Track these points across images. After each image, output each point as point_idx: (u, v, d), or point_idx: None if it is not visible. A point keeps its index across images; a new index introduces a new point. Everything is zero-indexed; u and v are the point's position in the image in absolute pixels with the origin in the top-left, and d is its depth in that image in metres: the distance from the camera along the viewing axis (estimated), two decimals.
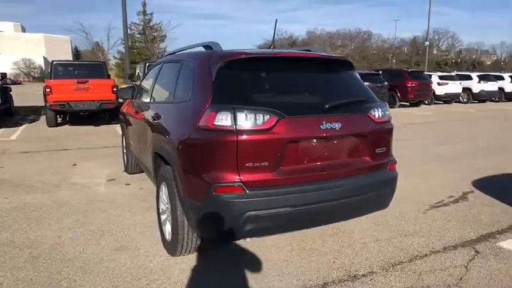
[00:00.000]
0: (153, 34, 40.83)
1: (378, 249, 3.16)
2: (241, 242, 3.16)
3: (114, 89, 10.14)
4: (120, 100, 12.37)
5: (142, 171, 5.34)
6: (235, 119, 2.29)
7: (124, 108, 5.30)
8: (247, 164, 2.31)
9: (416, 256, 3.05)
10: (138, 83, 12.64)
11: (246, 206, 2.30)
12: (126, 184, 5.02)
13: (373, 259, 3.00)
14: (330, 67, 2.88)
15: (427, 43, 40.30)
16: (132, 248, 3.17)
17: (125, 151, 5.64)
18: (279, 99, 2.57)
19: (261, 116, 2.31)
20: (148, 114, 3.52)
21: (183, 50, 3.80)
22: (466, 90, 19.45)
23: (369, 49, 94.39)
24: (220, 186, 2.30)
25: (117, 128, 10.37)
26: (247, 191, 2.31)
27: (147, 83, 4.38)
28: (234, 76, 2.56)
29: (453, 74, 21.56)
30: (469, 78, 20.11)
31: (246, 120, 2.29)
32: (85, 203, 4.27)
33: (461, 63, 70.01)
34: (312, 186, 2.46)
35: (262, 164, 2.34)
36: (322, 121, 2.48)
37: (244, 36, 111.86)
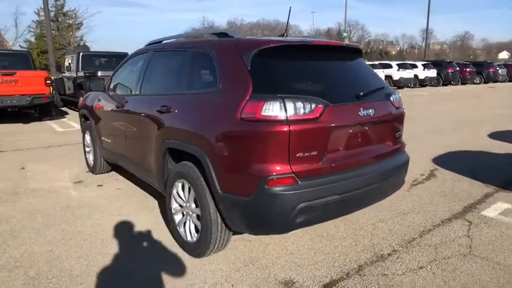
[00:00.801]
0: (68, 21, 37.23)
1: (388, 228, 3.34)
2: (257, 237, 3.10)
3: (48, 82, 9.06)
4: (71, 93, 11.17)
5: (111, 171, 4.93)
6: (285, 108, 2.20)
7: (87, 103, 4.78)
8: (298, 154, 2.25)
9: (423, 231, 3.28)
10: (67, 74, 11.62)
11: (299, 197, 2.25)
12: (99, 186, 4.56)
13: (389, 238, 3.15)
14: (352, 56, 2.91)
15: (345, 34, 42.99)
16: (144, 253, 2.91)
17: (87, 150, 5.12)
18: (317, 87, 2.53)
19: (309, 104, 2.26)
20: (147, 108, 3.22)
21: (172, 38, 3.54)
22: (388, 77, 21.24)
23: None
24: (273, 179, 2.21)
25: (53, 124, 9.39)
26: (299, 182, 2.25)
27: (126, 75, 4.00)
28: (270, 64, 2.46)
29: (376, 63, 23.40)
30: (390, 66, 22.03)
31: (296, 110, 2.22)
32: (60, 209, 3.79)
33: (370, 53, 76.18)
34: (353, 172, 2.50)
35: (312, 153, 2.30)
36: (360, 108, 2.52)
37: (168, 25, 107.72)
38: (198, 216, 2.73)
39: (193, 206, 2.76)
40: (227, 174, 2.36)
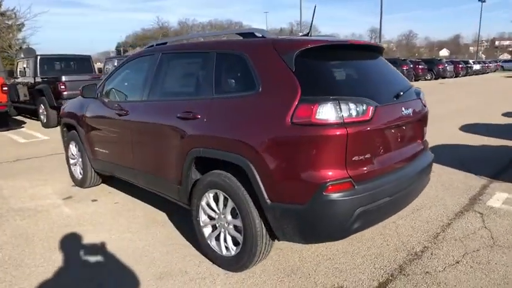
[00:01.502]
0: (7, 22, 34.51)
1: (410, 225, 3.38)
2: (288, 244, 3.00)
3: (5, 89, 8.27)
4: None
5: (101, 183, 4.59)
6: (340, 110, 2.13)
7: (73, 111, 4.40)
8: (354, 158, 2.19)
9: (443, 226, 3.36)
10: (21, 79, 10.68)
11: (356, 202, 2.18)
12: (93, 201, 4.21)
13: (414, 235, 3.19)
14: (377, 55, 2.89)
15: (301, 34, 43.71)
16: (177, 272, 2.70)
17: (72, 162, 4.71)
18: (360, 87, 2.47)
19: (362, 106, 2.20)
20: (163, 115, 2.99)
21: (179, 39, 3.33)
22: None
23: None
24: (331, 185, 2.13)
25: (13, 135, 8.60)
26: (356, 187, 2.19)
27: (126, 80, 3.72)
28: (313, 65, 2.36)
29: None
30: None
31: (350, 111, 2.15)
32: (59, 231, 3.43)
33: None
34: (398, 173, 2.48)
35: (366, 156, 2.25)
36: (402, 107, 2.51)
37: (115, 25, 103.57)
38: (236, 228, 2.58)
39: (230, 217, 2.60)
40: (278, 182, 2.24)
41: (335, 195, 2.14)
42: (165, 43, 3.51)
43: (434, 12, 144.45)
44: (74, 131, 4.50)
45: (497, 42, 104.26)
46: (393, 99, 2.51)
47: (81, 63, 11.18)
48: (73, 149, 4.64)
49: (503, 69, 42.08)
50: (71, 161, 4.76)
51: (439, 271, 2.64)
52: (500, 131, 7.42)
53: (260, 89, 2.37)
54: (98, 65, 19.29)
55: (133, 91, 3.51)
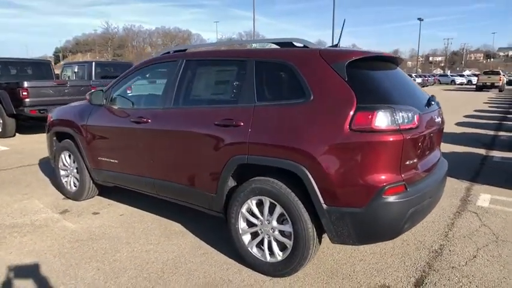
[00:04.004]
0: None
1: (419, 225, 3.61)
2: (321, 248, 3.09)
3: None
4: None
5: (94, 196, 4.36)
6: (395, 118, 2.28)
7: (70, 119, 4.15)
8: (407, 162, 2.35)
9: (449, 225, 3.66)
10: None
11: (410, 204, 2.34)
12: (95, 213, 3.98)
13: (428, 234, 3.43)
14: (398, 67, 3.10)
15: (254, 45, 44.50)
16: (220, 281, 2.67)
17: (63, 173, 4.43)
18: (400, 96, 2.63)
19: (411, 113, 2.38)
20: (196, 122, 2.96)
21: (203, 46, 3.32)
22: None
23: None
24: (390, 188, 2.27)
25: None
26: (408, 189, 2.35)
27: (141, 86, 3.61)
28: (362, 74, 2.51)
29: None
30: None
31: (403, 119, 2.32)
32: (72, 246, 3.22)
33: None
34: (433, 176, 2.69)
35: (414, 160, 2.42)
36: (433, 115, 2.74)
37: (54, 29, 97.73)
38: (282, 233, 2.62)
39: (275, 223, 2.63)
40: (335, 187, 2.33)
41: (392, 198, 2.28)
42: (185, 50, 3.48)
43: (376, 27, 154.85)
44: (69, 140, 4.24)
45: (431, 58, 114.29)
46: (425, 108, 2.73)
47: (39, 68, 10.48)
48: (65, 159, 4.36)
49: (440, 82, 46.08)
50: (62, 172, 4.46)
51: (463, 265, 2.88)
52: (460, 139, 8.16)
53: (312, 97, 2.46)
54: None
55: (153, 98, 3.42)
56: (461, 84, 45.60)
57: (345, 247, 3.15)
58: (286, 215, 2.54)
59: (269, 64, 2.76)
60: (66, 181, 4.44)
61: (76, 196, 4.31)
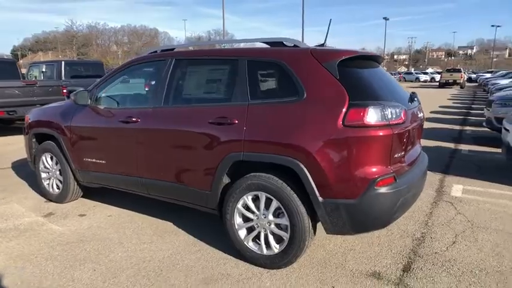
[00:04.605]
0: None
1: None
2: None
3: None
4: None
5: (77, 198, 4.29)
6: (385, 114, 2.43)
7: (52, 120, 4.06)
8: (395, 155, 2.51)
9: (427, 214, 3.88)
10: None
11: (399, 194, 2.49)
12: (81, 215, 3.92)
13: (409, 223, 3.63)
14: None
15: (224, 44, 44.32)
16: (219, 276, 2.73)
17: (44, 176, 4.32)
18: (385, 93, 2.75)
19: (398, 109, 2.53)
20: (189, 121, 2.99)
21: (190, 45, 3.36)
22: None
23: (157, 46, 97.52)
24: (381, 179, 2.41)
25: None
26: (397, 180, 2.50)
27: (128, 86, 3.58)
28: (351, 73, 2.64)
29: None
30: None
31: (391, 115, 2.47)
32: (63, 249, 3.16)
33: None
34: (416, 168, 2.87)
35: (400, 153, 2.58)
36: (416, 111, 2.91)
37: (11, 26, 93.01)
38: (279, 226, 2.71)
39: (271, 217, 2.72)
40: (330, 180, 2.44)
41: (383, 189, 2.43)
42: (173, 49, 3.49)
43: (342, 26, 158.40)
44: (51, 141, 4.15)
45: (396, 56, 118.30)
46: (409, 104, 2.90)
47: (3, 67, 10.01)
48: (48, 161, 4.25)
49: (405, 80, 47.82)
50: (43, 175, 4.35)
51: (444, 251, 3.09)
52: (429, 134, 8.56)
53: (305, 95, 2.56)
54: None
55: (141, 98, 3.42)
56: (425, 81, 47.56)
57: (334, 238, 3.29)
58: (282, 208, 2.64)
59: (261, 63, 2.85)
60: (48, 184, 4.33)
61: (60, 198, 4.21)
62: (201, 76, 3.30)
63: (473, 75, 45.02)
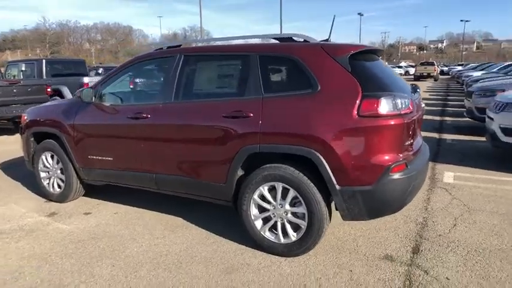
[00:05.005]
0: None
1: None
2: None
3: None
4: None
5: (79, 197, 4.25)
6: (396, 104, 2.55)
7: (54, 118, 3.99)
8: (406, 143, 2.64)
9: (425, 200, 4.07)
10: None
11: (410, 179, 2.63)
12: (86, 214, 3.89)
13: (411, 209, 3.78)
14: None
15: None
16: (239, 265, 2.80)
17: (44, 175, 4.25)
18: (391, 84, 2.86)
19: (407, 100, 2.66)
20: (203, 115, 3.03)
21: (199, 42, 3.38)
22: None
23: (131, 45, 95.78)
24: (395, 166, 2.54)
25: None
26: (408, 166, 2.64)
27: (134, 83, 3.57)
28: (361, 66, 2.74)
29: None
30: None
31: (402, 105, 2.59)
32: (76, 246, 3.15)
33: None
34: (422, 155, 3.02)
35: (409, 141, 2.71)
36: (418, 101, 3.06)
37: None
38: (295, 215, 2.80)
39: (288, 206, 2.81)
40: (347, 168, 2.55)
41: (397, 175, 2.56)
42: (179, 45, 3.51)
43: (318, 21, 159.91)
44: (51, 140, 4.08)
45: None
46: (412, 94, 3.04)
47: None
48: (48, 160, 4.18)
49: None
50: (43, 174, 4.28)
51: (447, 233, 3.27)
52: None
53: (319, 88, 2.65)
54: None
55: (149, 94, 3.42)
56: (400, 74, 48.65)
57: (343, 225, 3.41)
58: (299, 197, 2.73)
59: (273, 58, 2.92)
60: (48, 183, 4.25)
61: (61, 198, 4.16)
62: (212, 71, 3.34)
63: (445, 68, 46.48)
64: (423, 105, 3.34)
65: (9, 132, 9.30)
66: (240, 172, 2.98)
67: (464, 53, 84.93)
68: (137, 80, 3.93)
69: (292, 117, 2.70)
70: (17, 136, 8.91)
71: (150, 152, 3.35)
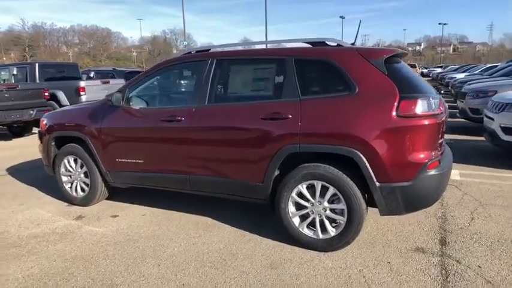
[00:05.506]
0: None
1: None
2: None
3: None
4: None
5: (103, 200, 4.29)
6: (431, 104, 2.74)
7: (79, 122, 4.02)
8: (439, 141, 2.83)
9: None
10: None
11: (443, 175, 2.83)
12: (113, 216, 3.93)
13: None
14: None
15: (185, 43, 43.85)
16: (281, 261, 2.92)
17: (65, 179, 4.26)
18: (421, 86, 3.06)
19: (437, 100, 2.85)
20: (240, 118, 3.15)
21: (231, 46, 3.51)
22: None
23: (110, 47, 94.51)
24: (430, 163, 2.72)
25: None
26: (441, 163, 2.83)
27: (166, 87, 3.65)
28: (395, 68, 2.92)
29: None
30: None
31: (435, 105, 2.78)
32: (116, 247, 3.20)
33: None
34: (447, 155, 3.21)
35: (440, 140, 2.90)
36: (444, 102, 3.26)
37: None
38: (333, 211, 2.95)
39: (327, 203, 2.95)
40: (387, 166, 2.71)
41: (433, 171, 2.75)
42: (208, 50, 3.61)
43: (299, 24, 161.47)
44: (74, 144, 4.10)
45: None
46: (438, 95, 3.24)
47: None
48: (70, 164, 4.20)
49: None
50: (64, 179, 4.29)
51: (467, 226, 3.48)
52: None
53: (357, 90, 2.81)
54: None
55: (181, 97, 3.50)
56: None
57: (369, 221, 3.57)
58: (339, 194, 2.88)
59: (309, 61, 3.06)
60: (70, 187, 4.27)
61: (86, 201, 4.18)
62: (246, 75, 3.45)
63: (425, 70, 47.73)
64: (447, 106, 3.54)
65: (5, 138, 9.15)
66: (277, 172, 3.11)
67: (442, 55, 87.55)
68: (181, 81, 3.98)
69: (332, 118, 2.85)
70: (14, 141, 8.79)
71: (185, 154, 3.44)
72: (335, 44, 3.16)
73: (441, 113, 2.86)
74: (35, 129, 9.73)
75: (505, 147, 5.51)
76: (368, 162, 2.74)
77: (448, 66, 39.18)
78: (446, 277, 2.65)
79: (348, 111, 2.82)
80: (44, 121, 4.38)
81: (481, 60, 61.62)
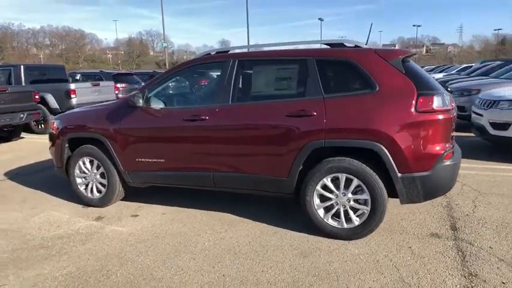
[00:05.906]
0: None
1: None
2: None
3: None
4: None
5: (119, 200, 4.35)
6: (445, 100, 2.99)
7: (97, 124, 4.05)
8: (451, 135, 3.08)
9: None
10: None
11: (457, 165, 3.09)
12: (133, 216, 4.00)
13: None
14: None
15: (164, 45, 43.51)
16: (310, 250, 3.09)
17: (80, 181, 4.29)
18: (434, 84, 3.29)
19: (449, 97, 3.11)
20: (264, 115, 3.30)
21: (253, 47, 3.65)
22: None
23: (84, 49, 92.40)
24: (447, 154, 2.97)
25: None
26: (454, 154, 3.08)
27: (188, 87, 3.75)
28: (410, 67, 3.16)
29: None
30: None
31: (448, 101, 3.03)
32: (145, 245, 3.29)
33: (176, 63, 79.36)
34: (457, 149, 3.47)
35: (452, 134, 3.15)
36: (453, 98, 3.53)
37: None
38: (357, 202, 3.15)
39: (350, 194, 3.15)
40: (407, 157, 2.94)
41: (448, 161, 2.99)
42: (227, 51, 3.74)
43: (276, 26, 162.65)
44: (90, 145, 4.14)
45: None
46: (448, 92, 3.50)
47: None
48: (86, 165, 4.22)
49: None
50: (79, 180, 4.30)
51: (472, 213, 3.76)
52: None
53: (377, 88, 3.03)
54: None
55: (203, 96, 3.62)
56: None
57: None
58: (363, 186, 3.08)
59: (330, 62, 3.26)
60: (85, 188, 4.29)
61: (102, 202, 4.21)
62: (269, 75, 3.60)
63: None
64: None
65: None
66: (301, 166, 3.28)
67: (416, 56, 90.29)
68: (202, 82, 4.09)
69: (356, 114, 3.05)
70: (6, 145, 8.57)
71: (209, 152, 3.55)
72: (353, 45, 3.36)
73: (452, 108, 3.11)
74: (23, 134, 9.54)
75: (493, 141, 5.90)
76: (390, 154, 2.95)
77: (424, 66, 40.55)
78: (464, 257, 2.90)
79: (370, 108, 3.03)
80: (55, 123, 4.39)
81: (452, 61, 64.04)
